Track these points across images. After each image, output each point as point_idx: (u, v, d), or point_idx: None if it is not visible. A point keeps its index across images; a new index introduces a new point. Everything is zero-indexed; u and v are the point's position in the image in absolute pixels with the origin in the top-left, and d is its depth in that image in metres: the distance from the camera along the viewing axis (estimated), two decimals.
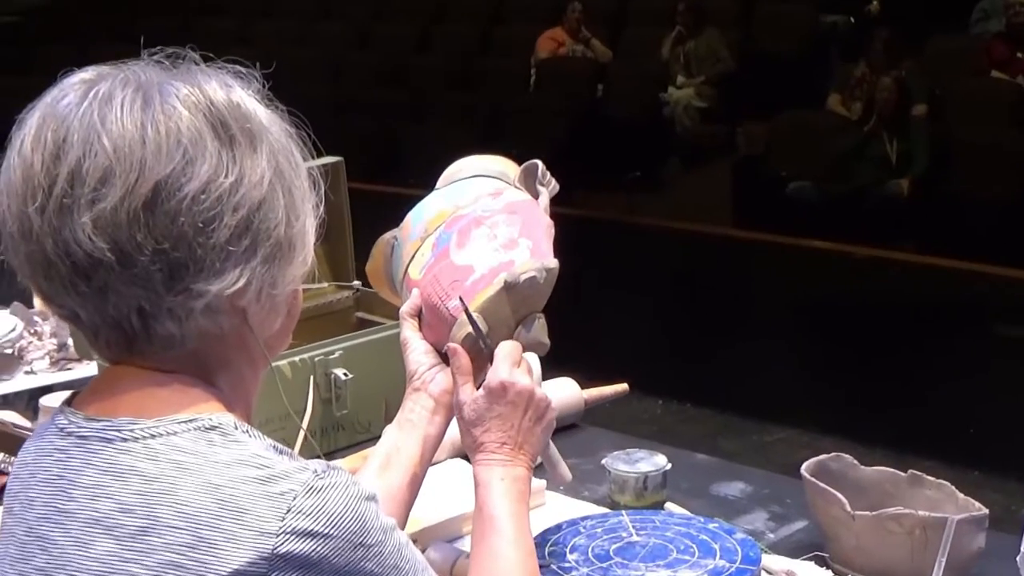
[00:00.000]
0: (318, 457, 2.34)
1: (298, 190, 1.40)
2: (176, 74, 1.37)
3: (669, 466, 2.24)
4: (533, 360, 2.00)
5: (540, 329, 1.82)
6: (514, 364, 1.76)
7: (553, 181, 1.96)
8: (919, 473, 2.04)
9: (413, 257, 1.92)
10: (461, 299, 1.80)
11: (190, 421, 1.32)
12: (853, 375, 5.88)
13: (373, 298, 2.77)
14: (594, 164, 9.04)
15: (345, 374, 2.43)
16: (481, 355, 1.79)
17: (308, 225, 1.42)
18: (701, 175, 9.54)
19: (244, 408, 1.43)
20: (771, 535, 2.14)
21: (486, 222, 1.88)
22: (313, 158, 1.45)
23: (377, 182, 8.16)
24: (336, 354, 2.44)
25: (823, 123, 9.00)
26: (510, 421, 1.74)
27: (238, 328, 1.38)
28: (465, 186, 1.96)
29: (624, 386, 2.66)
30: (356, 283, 2.75)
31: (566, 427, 2.56)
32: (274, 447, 1.33)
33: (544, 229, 1.87)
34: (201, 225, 1.30)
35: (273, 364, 2.30)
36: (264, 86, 1.43)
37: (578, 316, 6.48)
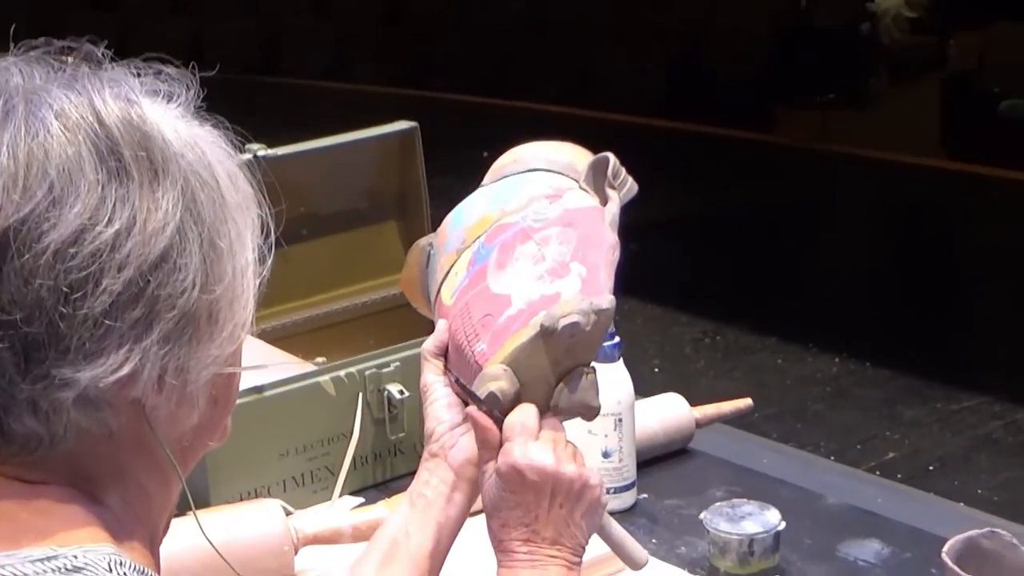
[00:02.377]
0: (373, 487, 2.11)
1: (225, 238, 1.06)
2: (60, 79, 1.05)
3: (782, 526, 1.84)
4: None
5: (587, 388, 1.43)
6: (528, 438, 1.38)
7: (629, 181, 1.55)
8: None
9: (447, 275, 1.55)
10: (450, 373, 1.43)
11: (46, 560, 0.99)
12: None
13: None
14: (792, 82, 8.53)
15: (401, 391, 2.07)
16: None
17: (243, 285, 1.08)
18: (907, 93, 8.93)
19: (146, 533, 1.10)
20: None
21: (535, 236, 1.49)
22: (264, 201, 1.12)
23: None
24: (391, 367, 2.09)
25: None
26: (533, 513, 1.37)
27: (133, 426, 1.05)
28: (519, 184, 1.57)
29: (747, 401, 2.26)
30: None
31: (671, 454, 2.18)
32: None
33: (606, 251, 1.46)
34: (67, 290, 0.98)
35: (315, 379, 2.04)
36: (200, 96, 1.11)
37: (754, 255, 6.15)
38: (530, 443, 1.37)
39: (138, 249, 1.00)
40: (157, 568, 1.11)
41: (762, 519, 1.86)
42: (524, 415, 1.39)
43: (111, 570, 0.99)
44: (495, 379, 1.39)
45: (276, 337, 2.27)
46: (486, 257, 1.50)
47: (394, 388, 2.08)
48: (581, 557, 1.39)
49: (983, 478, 4.25)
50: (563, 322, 1.38)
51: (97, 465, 1.05)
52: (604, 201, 1.51)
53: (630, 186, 1.53)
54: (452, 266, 1.55)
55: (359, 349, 2.18)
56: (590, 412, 1.44)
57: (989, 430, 4.59)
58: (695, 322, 5.54)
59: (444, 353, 1.50)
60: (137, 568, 1.01)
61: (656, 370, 5.11)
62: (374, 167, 2.44)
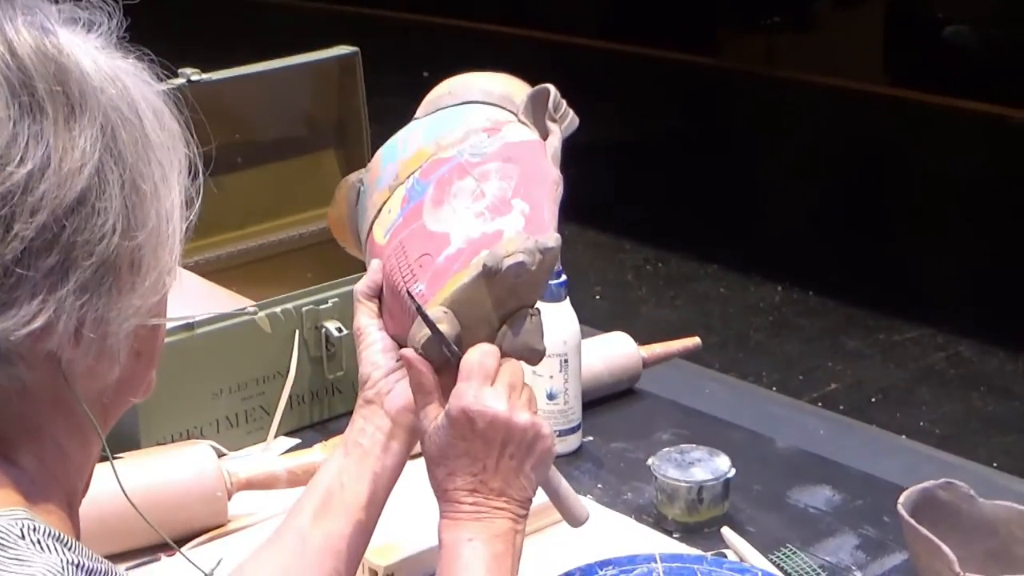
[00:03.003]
0: (309, 427, 2.05)
1: (148, 180, 0.99)
2: None
3: (732, 473, 1.80)
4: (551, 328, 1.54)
5: (532, 331, 1.36)
6: (484, 380, 1.30)
7: (571, 114, 1.48)
8: None
9: (379, 212, 1.47)
10: (409, 293, 1.35)
11: None
12: (1014, 269, 5.32)
13: None
14: (736, 5, 8.46)
15: (339, 329, 2.01)
16: (450, 365, 1.34)
17: (168, 230, 1.02)
18: (852, 18, 8.87)
19: (63, 495, 1.04)
20: (859, 573, 1.70)
21: (474, 171, 1.41)
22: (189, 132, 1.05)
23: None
24: (329, 303, 2.03)
25: None
26: (481, 462, 1.30)
27: (48, 381, 0.99)
28: (454, 116, 1.49)
29: (695, 340, 2.21)
30: None
31: (619, 394, 2.13)
32: (77, 566, 0.92)
33: (549, 186, 1.40)
34: None
35: (251, 316, 1.97)
36: (124, 24, 1.04)
37: (697, 181, 6.11)
38: (485, 388, 1.30)
39: (53, 191, 0.93)
40: (76, 532, 1.05)
41: (711, 465, 1.81)
42: (484, 356, 1.31)
43: (23, 536, 0.94)
44: (436, 322, 1.33)
45: (209, 270, 2.20)
46: (422, 194, 1.42)
47: (332, 325, 2.02)
48: (528, 510, 1.33)
49: (925, 411, 4.25)
50: (508, 262, 1.32)
51: (9, 423, 1.00)
52: (545, 135, 1.44)
53: (571, 119, 1.47)
54: (385, 203, 1.46)
55: (296, 283, 2.13)
56: (535, 356, 1.38)
57: (932, 362, 4.58)
58: (637, 249, 5.50)
59: (378, 294, 1.43)
60: (52, 533, 0.95)
61: (597, 298, 5.07)
62: (312, 93, 2.37)
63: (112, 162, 0.96)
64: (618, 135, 6.45)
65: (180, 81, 2.10)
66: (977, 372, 4.50)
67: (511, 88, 1.50)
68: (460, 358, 1.32)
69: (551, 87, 1.46)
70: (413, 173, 1.45)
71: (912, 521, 1.55)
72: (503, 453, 1.30)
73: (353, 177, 1.53)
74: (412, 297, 1.34)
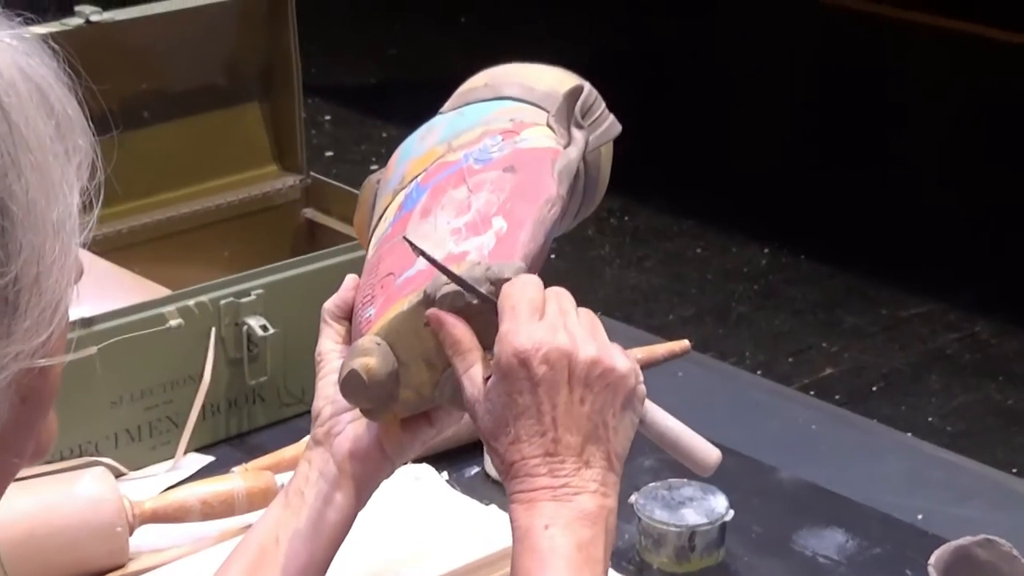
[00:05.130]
0: (225, 441, 2.02)
1: (19, 199, 0.92)
2: None
3: (730, 515, 1.78)
4: None
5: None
6: (532, 314, 1.25)
7: (609, 120, 1.45)
8: None
9: (380, 219, 1.48)
10: (409, 241, 1.32)
11: None
12: None
13: (331, 190, 2.33)
14: None
15: (264, 327, 1.98)
16: (483, 318, 1.28)
17: (54, 252, 0.95)
18: None
19: None
20: None
21: (470, 180, 1.39)
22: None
23: None
24: (252, 295, 2.00)
25: None
26: (549, 415, 1.23)
27: None
28: (479, 113, 1.48)
29: (684, 344, 2.19)
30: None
31: None
32: None
33: (540, 204, 1.36)
34: None
35: (158, 310, 1.94)
36: None
37: (673, 117, 6.09)
38: (534, 321, 1.24)
39: None
40: None
41: (705, 506, 1.80)
42: (524, 288, 1.26)
43: None
44: (364, 354, 1.30)
45: (108, 248, 2.16)
46: (416, 201, 1.42)
47: (255, 322, 1.99)
48: (618, 472, 1.26)
49: (934, 402, 4.28)
50: (444, 290, 1.28)
51: None
52: (566, 142, 1.41)
53: (608, 126, 1.44)
54: (387, 208, 1.47)
55: (211, 264, 2.10)
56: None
57: (942, 344, 4.61)
58: None
59: (350, 315, 1.41)
60: None
61: (553, 256, 5.04)
62: (235, 35, 2.33)
63: None
64: (576, 62, 6.39)
65: (77, 22, 2.06)
66: (995, 357, 4.53)
67: (560, 85, 1.48)
68: (495, 303, 1.26)
69: (585, 86, 1.44)
70: (417, 177, 1.45)
71: None
72: (572, 397, 1.23)
73: (374, 177, 1.53)
74: (412, 244, 1.31)
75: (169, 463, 1.95)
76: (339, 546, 1.38)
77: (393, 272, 1.35)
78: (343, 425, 1.37)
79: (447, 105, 1.52)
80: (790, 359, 4.48)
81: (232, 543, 1.69)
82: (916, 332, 4.67)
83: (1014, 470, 3.58)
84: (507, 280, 1.27)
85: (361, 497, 1.37)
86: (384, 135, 6.10)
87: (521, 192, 1.37)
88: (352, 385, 1.29)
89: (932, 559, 1.59)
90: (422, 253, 1.30)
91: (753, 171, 5.82)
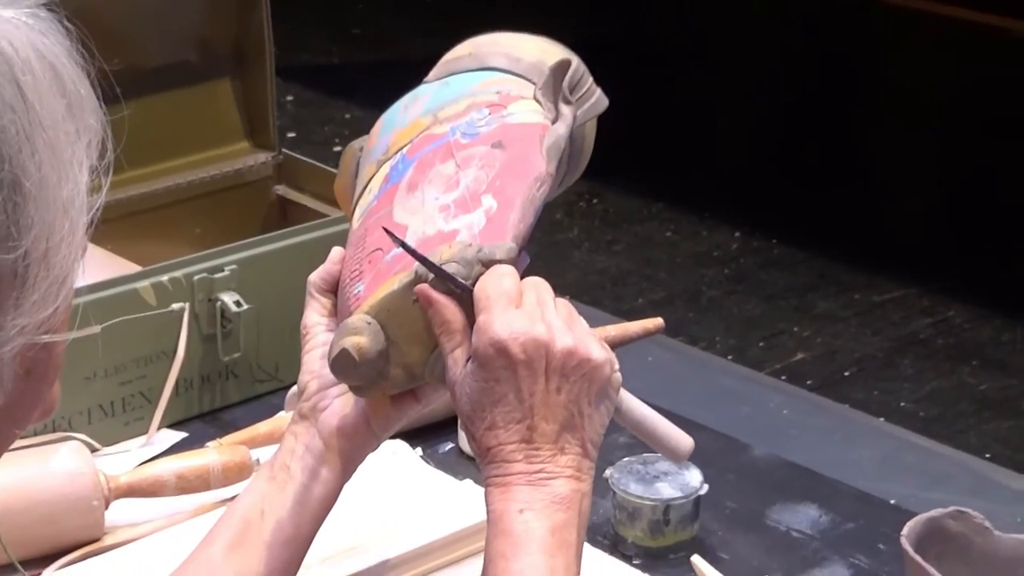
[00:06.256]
0: (198, 417, 2.06)
1: (33, 175, 0.96)
2: None
3: (704, 489, 1.83)
4: None
5: None
6: (508, 304, 1.28)
7: (596, 94, 1.48)
8: None
9: (364, 189, 1.50)
10: (394, 235, 1.35)
11: None
12: (1005, 210, 5.39)
13: (303, 167, 2.37)
14: None
15: (238, 303, 2.02)
16: (464, 304, 1.32)
17: (63, 229, 0.99)
18: None
19: None
20: None
21: (458, 155, 1.42)
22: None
23: None
24: (226, 271, 2.04)
25: None
26: (526, 403, 1.27)
27: None
28: (464, 83, 1.50)
29: (658, 321, 2.22)
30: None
31: None
32: None
33: (529, 183, 1.39)
34: None
35: (131, 285, 1.98)
36: None
37: (643, 99, 6.12)
38: (511, 311, 1.28)
39: None
40: None
41: (680, 480, 1.84)
42: (500, 278, 1.30)
43: None
44: (354, 333, 1.33)
45: None
46: (402, 174, 1.44)
47: (229, 298, 2.03)
48: (594, 461, 1.31)
49: (907, 388, 4.32)
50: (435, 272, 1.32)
51: None
52: (554, 118, 1.44)
53: (595, 101, 1.47)
54: (371, 179, 1.49)
55: (182, 240, 2.14)
56: None
57: (916, 329, 4.65)
58: None
59: (335, 288, 1.44)
60: None
61: None
62: (206, 12, 2.36)
63: None
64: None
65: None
66: (969, 342, 4.57)
67: (547, 56, 1.50)
68: (471, 292, 1.30)
69: (573, 59, 1.47)
70: (403, 148, 1.47)
71: (917, 558, 1.59)
72: (548, 387, 1.27)
73: (357, 143, 1.56)
74: (397, 238, 1.34)
75: (142, 439, 1.99)
76: (323, 520, 1.42)
77: (381, 248, 1.38)
78: (329, 400, 1.41)
79: (431, 74, 1.54)
80: (761, 344, 4.52)
81: (208, 517, 1.77)
82: (889, 317, 4.71)
83: (987, 455, 3.62)
84: (499, 261, 1.31)
85: (347, 471, 1.41)
86: (347, 116, 6.12)
87: (510, 169, 1.39)
88: (342, 364, 1.33)
89: (904, 530, 1.62)
90: (403, 244, 1.33)
91: (723, 154, 5.86)
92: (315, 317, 1.44)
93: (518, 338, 1.26)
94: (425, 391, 1.41)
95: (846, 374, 4.39)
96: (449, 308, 1.31)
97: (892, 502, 1.93)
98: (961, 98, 6.37)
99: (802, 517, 1.91)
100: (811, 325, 4.65)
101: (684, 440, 1.45)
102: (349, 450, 1.40)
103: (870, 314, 4.74)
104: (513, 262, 1.33)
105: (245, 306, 2.02)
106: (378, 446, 1.44)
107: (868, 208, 5.37)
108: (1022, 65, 6.64)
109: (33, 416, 1.08)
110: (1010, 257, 4.94)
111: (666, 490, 1.83)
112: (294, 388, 1.50)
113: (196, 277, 2.01)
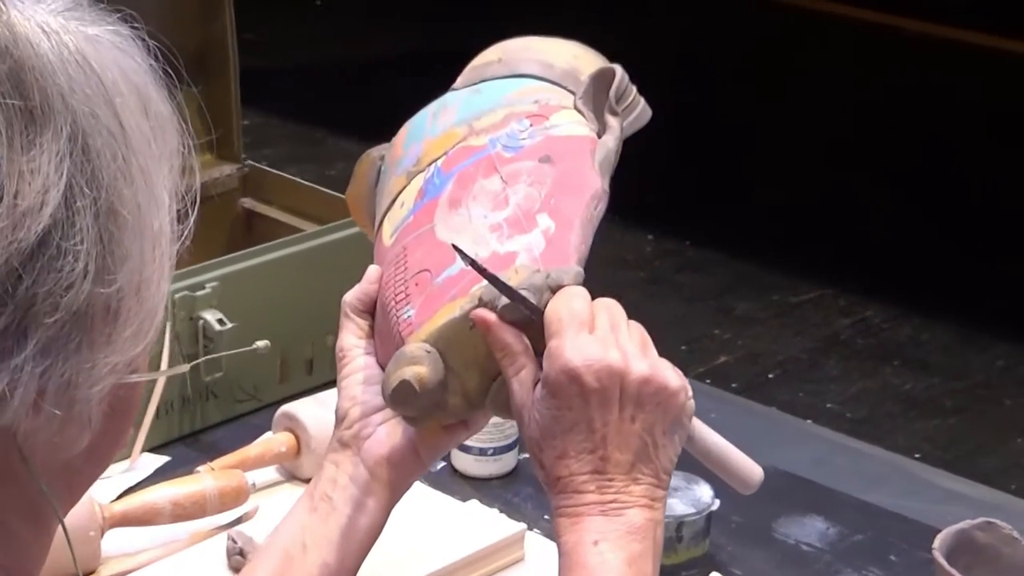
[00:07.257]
0: (179, 440, 2.00)
1: (129, 203, 0.92)
2: None
3: (716, 504, 1.81)
4: None
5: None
6: (580, 328, 1.24)
7: (641, 104, 1.44)
8: None
9: (392, 204, 1.44)
10: (457, 248, 1.30)
11: None
12: (916, 210, 5.41)
13: (269, 179, 2.32)
14: None
15: (221, 321, 1.98)
16: (538, 324, 1.27)
17: (154, 261, 0.95)
18: None
19: None
20: None
21: (503, 170, 1.37)
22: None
23: None
24: (207, 288, 1.99)
25: None
26: (599, 432, 1.23)
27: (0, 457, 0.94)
28: (499, 91, 1.45)
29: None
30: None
31: None
32: None
33: (586, 201, 1.35)
34: None
35: None
36: None
37: None
38: (583, 336, 1.24)
39: (5, 235, 0.86)
40: None
41: (690, 495, 1.83)
42: (571, 300, 1.26)
43: None
44: (413, 362, 1.28)
45: None
46: (439, 189, 1.38)
47: (211, 316, 1.99)
48: (666, 489, 1.28)
49: (832, 389, 4.34)
50: (504, 300, 1.28)
51: None
52: (600, 130, 1.40)
53: (640, 112, 1.43)
54: (400, 193, 1.43)
55: None
56: None
57: (836, 330, 4.68)
58: None
59: (371, 309, 1.39)
60: None
61: None
62: (167, 20, 2.29)
63: (84, 185, 0.88)
64: (427, 46, 6.39)
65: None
66: (888, 342, 4.61)
67: (580, 62, 1.46)
68: (542, 314, 1.26)
69: (617, 68, 1.42)
70: (436, 160, 1.41)
71: (953, 571, 1.59)
72: (623, 415, 1.23)
73: (376, 152, 1.50)
74: (464, 255, 1.28)
75: (125, 463, 1.93)
76: (368, 551, 1.38)
77: (428, 269, 1.33)
78: (373, 427, 1.36)
79: (459, 81, 1.49)
80: (684, 347, 4.51)
81: (206, 545, 1.72)
82: (809, 318, 4.74)
83: (917, 455, 3.64)
84: (565, 284, 1.27)
85: (393, 501, 1.37)
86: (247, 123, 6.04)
87: (563, 187, 1.34)
88: (402, 395, 1.28)
89: (936, 543, 1.62)
90: (474, 264, 1.27)
91: (633, 157, 5.82)
92: (352, 339, 1.39)
93: (592, 365, 1.22)
94: (475, 417, 1.37)
95: (770, 376, 4.40)
96: (509, 331, 1.27)
97: (895, 511, 1.92)
98: (867, 97, 6.41)
99: (809, 530, 1.90)
100: (732, 327, 4.67)
101: (755, 470, 1.41)
102: (396, 479, 1.36)
103: (789, 315, 4.76)
104: (572, 286, 1.28)
105: (228, 324, 1.97)
106: (424, 473, 1.40)
107: (780, 209, 5.40)
108: (915, 64, 6.74)
109: (114, 455, 1.04)
110: (924, 256, 4.99)
111: (678, 506, 1.81)
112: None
113: (177, 295, 1.96)
